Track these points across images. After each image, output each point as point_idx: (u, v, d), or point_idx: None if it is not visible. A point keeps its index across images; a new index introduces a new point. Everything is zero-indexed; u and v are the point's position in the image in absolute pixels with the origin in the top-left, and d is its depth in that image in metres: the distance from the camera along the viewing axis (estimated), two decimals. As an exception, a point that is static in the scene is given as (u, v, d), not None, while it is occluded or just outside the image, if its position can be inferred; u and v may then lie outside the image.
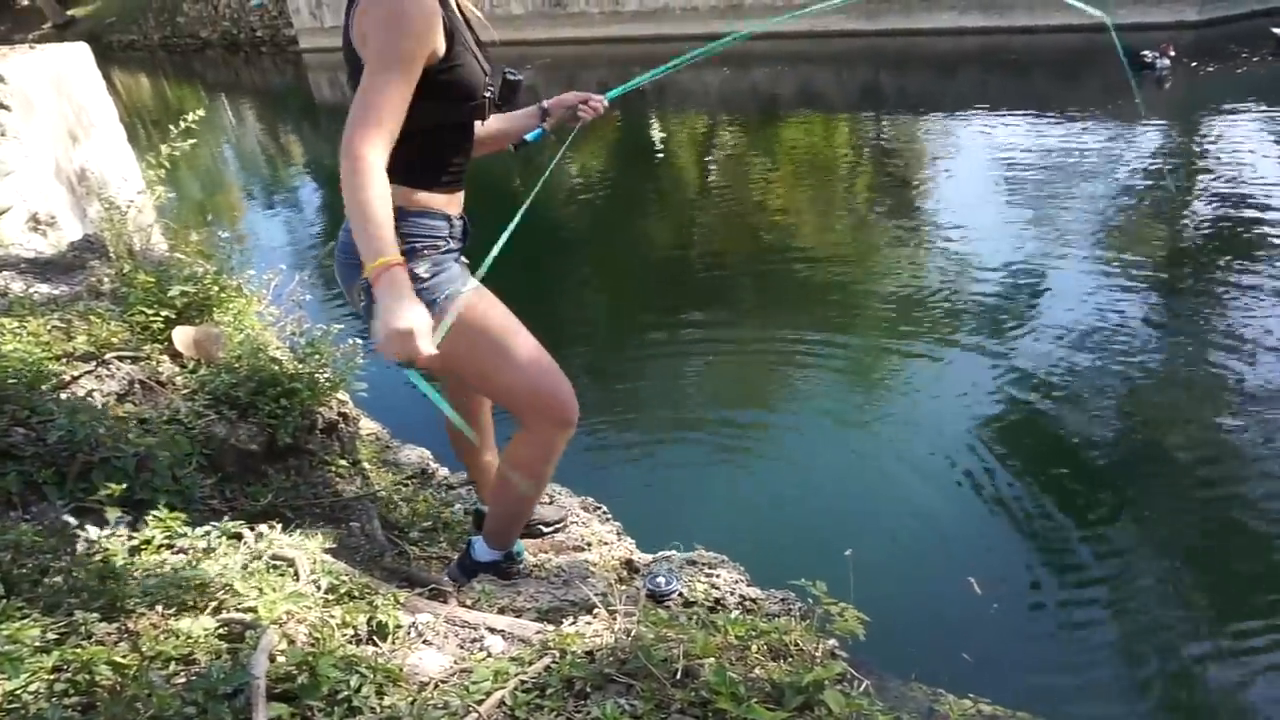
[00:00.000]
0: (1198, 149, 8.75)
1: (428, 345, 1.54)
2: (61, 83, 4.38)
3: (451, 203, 1.93)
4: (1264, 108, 9.30)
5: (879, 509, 3.82)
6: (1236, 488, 3.72)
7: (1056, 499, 3.85)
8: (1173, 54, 10.08)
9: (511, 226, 1.88)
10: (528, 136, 2.15)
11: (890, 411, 4.70)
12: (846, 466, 4.26)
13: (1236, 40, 10.55)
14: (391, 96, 1.61)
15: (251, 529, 1.82)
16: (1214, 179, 7.69)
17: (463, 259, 2.00)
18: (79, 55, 4.62)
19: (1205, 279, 5.81)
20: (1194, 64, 10.17)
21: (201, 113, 3.37)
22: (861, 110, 12.66)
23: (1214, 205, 7.09)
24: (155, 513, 1.82)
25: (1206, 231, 6.61)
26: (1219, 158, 8.25)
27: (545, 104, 2.17)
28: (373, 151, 1.59)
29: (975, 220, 7.25)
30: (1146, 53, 10.20)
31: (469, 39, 1.83)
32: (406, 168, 1.77)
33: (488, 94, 1.87)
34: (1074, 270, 6.10)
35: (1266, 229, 6.31)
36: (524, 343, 1.94)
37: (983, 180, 8.49)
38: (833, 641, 1.67)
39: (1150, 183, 7.88)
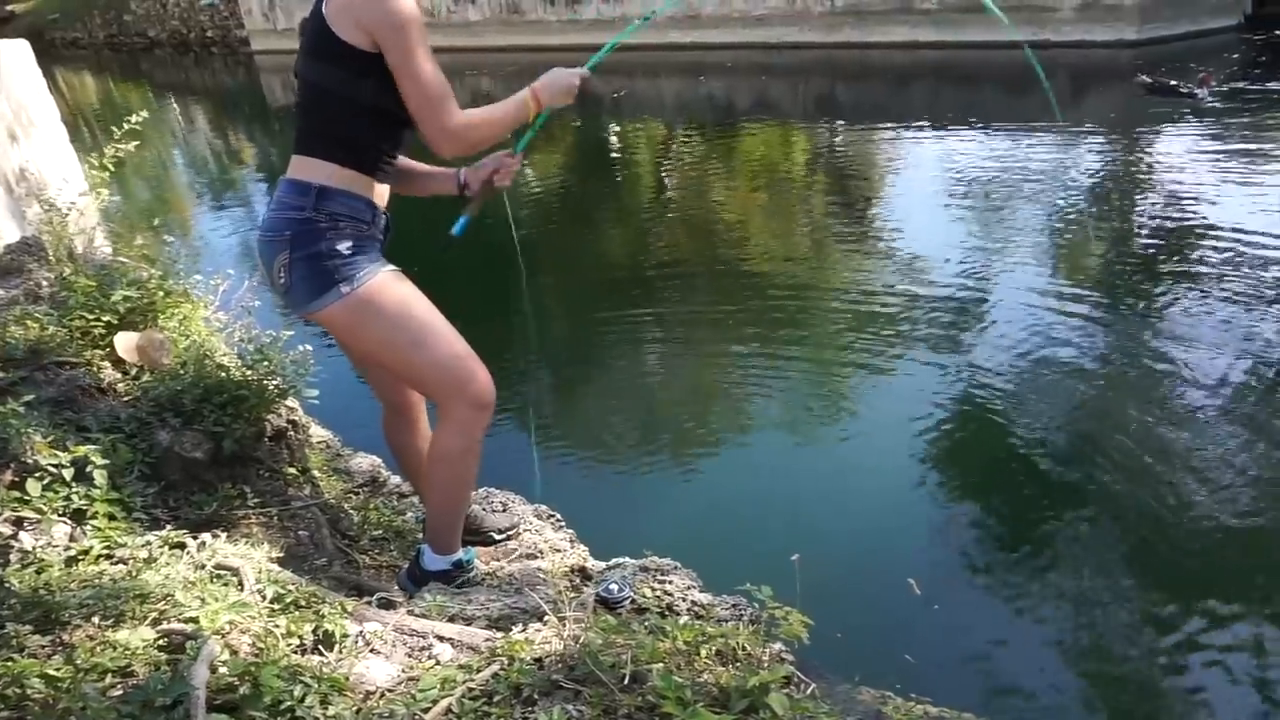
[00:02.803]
0: (1142, 162, 9.03)
1: (575, 80, 2.05)
2: None
3: (376, 192, 2.01)
4: (1206, 123, 9.63)
5: (828, 513, 3.87)
6: (1175, 489, 3.84)
7: (999, 502, 3.95)
8: (1214, 84, 10.16)
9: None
10: (454, 231, 2.14)
11: (839, 417, 4.77)
12: (797, 471, 4.32)
13: (1175, 58, 10.93)
14: (438, 71, 1.84)
15: (194, 538, 1.79)
16: (1156, 192, 7.94)
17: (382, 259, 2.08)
18: (18, 52, 4.48)
19: (1147, 288, 6.01)
20: (1142, 78, 10.45)
21: (146, 114, 3.29)
22: (817, 121, 12.83)
23: (1157, 216, 7.33)
24: (94, 523, 1.79)
25: (1149, 242, 6.84)
26: (1163, 171, 8.53)
27: (463, 179, 2.22)
28: (458, 115, 1.87)
29: (926, 231, 7.40)
30: (1183, 85, 10.17)
31: None
32: (341, 144, 1.93)
33: None
34: (1020, 280, 6.26)
35: (1207, 241, 6.55)
36: (436, 326, 2.03)
37: (934, 191, 8.66)
38: (779, 645, 1.69)
39: (1095, 194, 8.12)
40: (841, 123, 12.20)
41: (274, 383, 2.48)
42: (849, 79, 12.80)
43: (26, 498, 1.74)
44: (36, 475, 1.79)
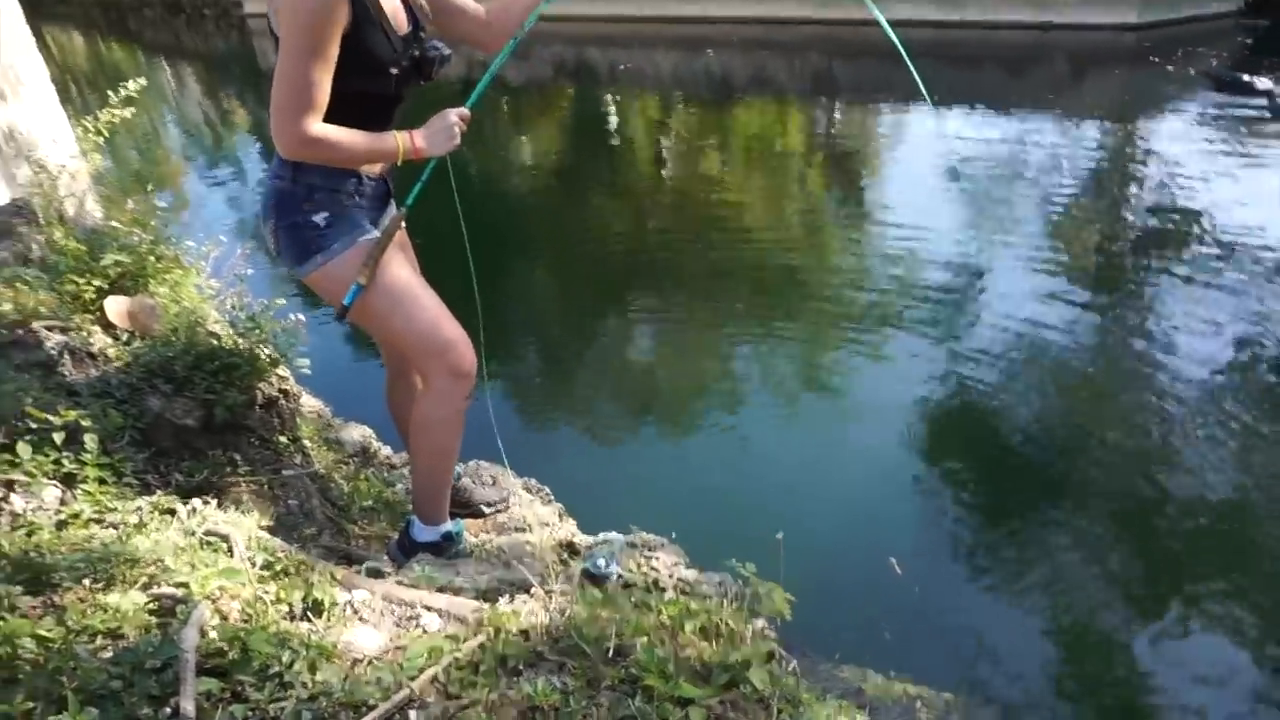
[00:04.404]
0: (1139, 147, 9.03)
1: (456, 122, 2.00)
2: (-11, 38, 4.19)
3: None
4: (1203, 110, 9.61)
5: (814, 490, 3.90)
6: (1161, 472, 3.89)
7: (984, 483, 3.99)
8: None
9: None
10: (345, 301, 2.02)
11: (829, 396, 4.81)
12: (786, 449, 4.34)
13: (1178, 42, 10.88)
14: (313, 78, 1.79)
15: (185, 504, 1.80)
16: (1156, 177, 7.95)
17: (383, 220, 2.16)
18: (6, 9, 4.41)
19: (1140, 274, 6.05)
20: (1154, 64, 10.31)
21: (144, 81, 3.25)
22: (814, 97, 12.77)
23: (1150, 203, 7.35)
24: (84, 487, 1.80)
25: (1146, 228, 6.86)
26: (1158, 157, 8.52)
27: None
28: (318, 128, 1.83)
29: (920, 211, 7.40)
30: (1260, 80, 9.44)
31: (383, 16, 1.92)
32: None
33: (395, 70, 1.96)
34: (1013, 263, 6.27)
35: (1204, 228, 6.57)
36: (412, 293, 2.08)
37: (929, 171, 8.64)
38: (762, 622, 1.72)
39: (1094, 179, 8.13)
40: (839, 100, 12.14)
41: (266, 351, 2.48)
42: (848, 56, 12.72)
43: (17, 460, 1.74)
44: (27, 438, 1.79)
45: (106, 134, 3.10)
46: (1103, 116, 10.06)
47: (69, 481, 1.81)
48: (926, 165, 8.86)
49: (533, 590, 1.76)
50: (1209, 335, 5.06)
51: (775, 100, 13.14)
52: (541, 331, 5.90)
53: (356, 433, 3.46)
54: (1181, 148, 8.65)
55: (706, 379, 5.14)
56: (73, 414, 1.86)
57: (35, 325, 2.20)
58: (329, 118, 1.86)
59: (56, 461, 1.80)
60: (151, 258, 2.70)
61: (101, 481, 1.83)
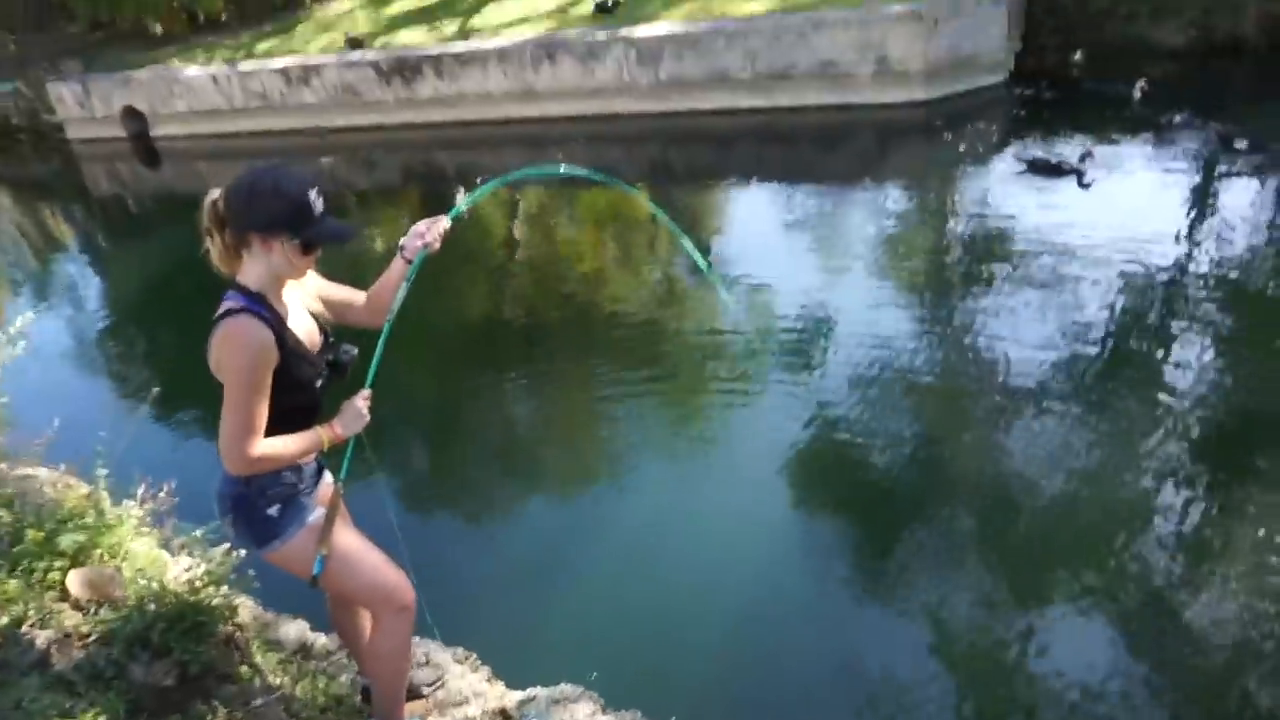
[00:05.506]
0: (942, 202, 10.36)
1: (362, 406, 2.45)
2: None
3: None
4: (996, 163, 11.08)
5: (714, 580, 4.43)
6: (1015, 478, 4.70)
7: (867, 527, 4.70)
8: (1093, 156, 9.43)
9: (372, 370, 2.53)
10: (315, 572, 2.47)
11: (705, 470, 5.45)
12: (673, 542, 4.83)
13: (964, 114, 12.45)
14: (254, 411, 2.21)
15: (198, 775, 2.19)
16: (965, 224, 9.23)
17: (320, 484, 2.62)
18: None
19: (964, 303, 7.18)
20: (945, 134, 11.86)
21: (34, 315, 3.57)
22: (653, 181, 13.71)
23: (968, 243, 8.64)
24: (113, 780, 2.17)
25: (964, 264, 8.11)
26: (960, 208, 9.86)
27: (403, 250, 2.63)
28: (259, 448, 2.24)
29: (762, 274, 8.38)
30: (1067, 162, 9.57)
31: (301, 346, 2.38)
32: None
33: (319, 383, 2.45)
34: (852, 308, 7.27)
35: (1011, 257, 7.89)
36: (359, 553, 2.55)
37: (765, 238, 9.70)
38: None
39: (913, 231, 9.35)
40: (676, 183, 13.16)
41: (225, 599, 2.85)
42: (681, 142, 13.88)
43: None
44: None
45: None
46: (907, 180, 11.41)
47: (97, 777, 2.16)
48: (762, 233, 9.91)
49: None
50: (1029, 345, 6.13)
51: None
52: (417, 462, 6.26)
53: (293, 629, 3.80)
54: (980, 198, 10.02)
55: (582, 476, 5.69)
56: (90, 718, 2.22)
57: (24, 629, 2.52)
58: (267, 431, 2.30)
59: (84, 761, 2.16)
60: (100, 525, 3.01)
61: (125, 771, 2.19)
